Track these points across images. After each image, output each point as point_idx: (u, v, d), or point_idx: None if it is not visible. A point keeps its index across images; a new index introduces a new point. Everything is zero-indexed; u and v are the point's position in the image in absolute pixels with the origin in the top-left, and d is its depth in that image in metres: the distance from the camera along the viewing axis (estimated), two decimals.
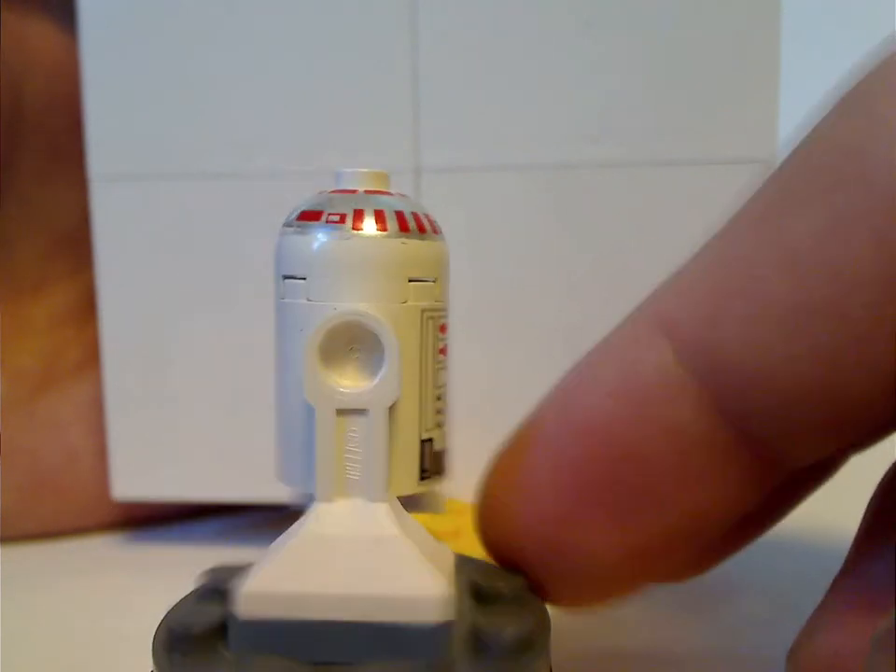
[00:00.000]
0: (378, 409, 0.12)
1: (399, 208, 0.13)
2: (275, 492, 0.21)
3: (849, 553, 0.14)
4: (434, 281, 0.13)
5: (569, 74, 0.20)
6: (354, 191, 0.13)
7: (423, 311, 0.13)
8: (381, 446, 0.12)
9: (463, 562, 0.14)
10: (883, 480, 0.15)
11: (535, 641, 0.12)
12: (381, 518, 0.12)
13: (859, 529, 0.14)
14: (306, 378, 0.12)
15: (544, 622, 0.13)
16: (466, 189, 0.21)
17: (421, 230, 0.13)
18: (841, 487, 0.15)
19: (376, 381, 0.12)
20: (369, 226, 0.13)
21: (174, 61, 0.21)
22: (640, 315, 0.13)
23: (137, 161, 0.21)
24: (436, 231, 0.13)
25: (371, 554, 0.12)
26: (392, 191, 0.13)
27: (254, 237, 0.21)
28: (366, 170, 0.13)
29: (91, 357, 0.24)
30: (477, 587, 0.13)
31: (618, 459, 0.13)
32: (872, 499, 0.14)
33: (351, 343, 0.12)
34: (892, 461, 0.15)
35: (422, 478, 0.13)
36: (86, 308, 0.24)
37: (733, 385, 0.12)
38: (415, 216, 0.13)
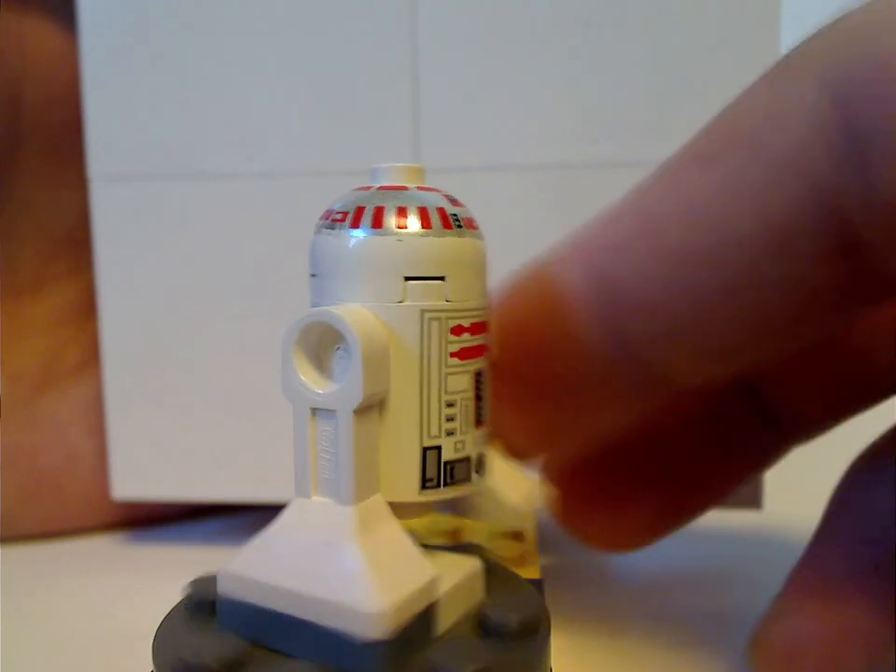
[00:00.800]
0: (342, 411, 0.12)
1: (411, 203, 0.13)
2: (275, 492, 0.21)
3: (808, 545, 0.14)
4: (442, 279, 0.13)
5: (569, 74, 0.20)
6: (368, 188, 0.13)
7: (423, 311, 0.13)
8: (346, 449, 0.12)
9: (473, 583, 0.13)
10: (842, 478, 0.15)
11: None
12: (341, 523, 0.12)
13: (819, 523, 0.15)
14: (283, 375, 0.12)
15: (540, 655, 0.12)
16: (466, 189, 0.21)
17: (426, 225, 0.13)
18: (822, 493, 0.15)
19: (342, 383, 0.12)
20: (365, 224, 0.13)
21: (174, 61, 0.21)
22: (565, 246, 0.15)
23: (137, 161, 0.21)
24: (449, 226, 0.13)
25: (322, 557, 0.12)
26: (424, 186, 0.13)
27: (253, 237, 0.21)
28: (389, 165, 0.13)
29: (90, 357, 0.24)
30: (483, 617, 0.12)
31: (531, 355, 0.15)
32: (832, 495, 0.15)
33: (336, 342, 0.12)
34: (850, 462, 0.15)
35: (425, 486, 0.13)
36: (86, 308, 0.24)
37: (628, 312, 0.14)
38: (423, 211, 0.13)
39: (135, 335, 0.22)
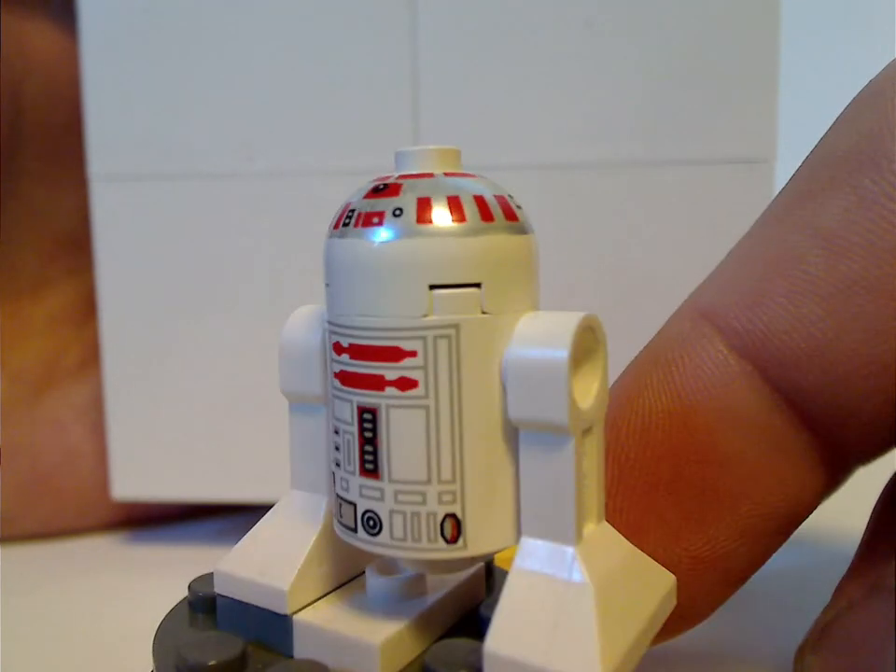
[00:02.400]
0: None
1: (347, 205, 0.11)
2: (275, 492, 0.21)
3: (855, 556, 0.14)
4: (328, 286, 0.11)
5: (569, 74, 0.20)
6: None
7: (325, 321, 0.12)
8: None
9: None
10: (886, 487, 0.15)
11: None
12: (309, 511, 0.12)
13: (864, 534, 0.14)
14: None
15: None
16: None
17: (335, 225, 0.11)
18: (846, 493, 0.15)
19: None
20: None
21: (174, 61, 0.21)
22: (684, 314, 0.13)
23: (137, 161, 0.21)
24: (332, 226, 0.11)
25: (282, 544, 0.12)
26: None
27: (253, 237, 0.21)
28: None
29: (91, 357, 0.24)
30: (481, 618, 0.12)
31: (682, 454, 0.13)
32: (876, 506, 0.15)
33: None
34: (895, 469, 0.15)
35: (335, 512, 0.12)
36: (86, 308, 0.24)
37: (784, 363, 0.12)
38: (348, 213, 0.11)
39: (135, 335, 0.22)
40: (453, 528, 0.11)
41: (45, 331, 0.25)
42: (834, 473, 0.13)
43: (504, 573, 0.14)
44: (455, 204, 0.11)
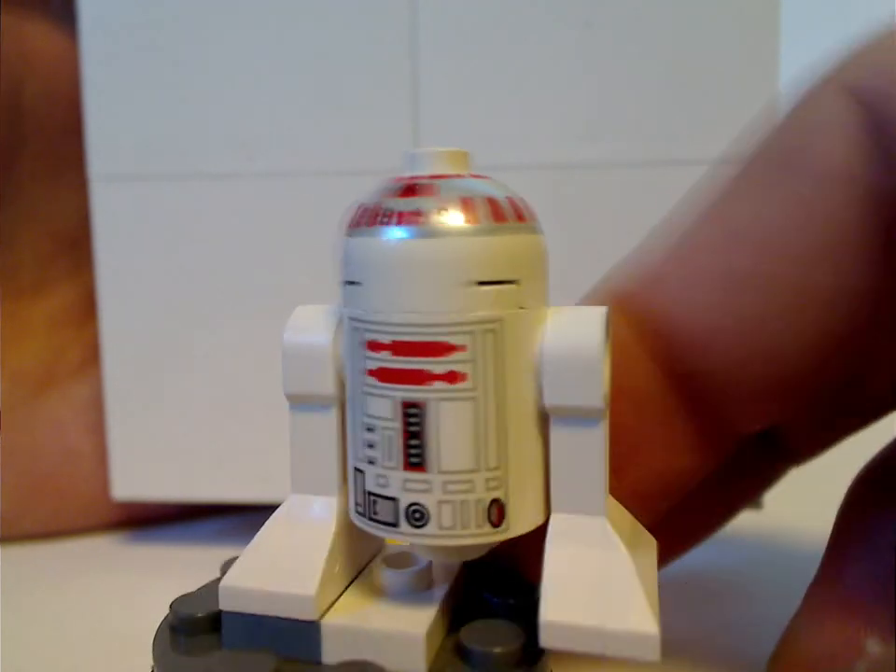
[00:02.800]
0: None
1: (362, 202, 0.12)
2: (275, 492, 0.21)
3: (822, 561, 0.14)
4: (359, 284, 0.11)
5: (569, 74, 0.20)
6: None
7: (349, 319, 0.12)
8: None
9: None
10: (849, 492, 0.15)
11: None
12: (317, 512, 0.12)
13: (830, 538, 0.15)
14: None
15: None
16: None
17: (352, 224, 0.11)
18: (838, 493, 0.15)
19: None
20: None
21: (173, 61, 0.21)
22: (598, 294, 0.14)
23: (137, 161, 0.21)
24: (356, 223, 0.11)
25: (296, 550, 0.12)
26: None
27: (253, 237, 0.21)
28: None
29: (91, 357, 0.24)
30: (463, 647, 0.12)
31: None
32: (840, 510, 0.15)
33: None
34: (856, 475, 0.15)
35: (356, 510, 0.12)
36: (86, 308, 0.24)
37: (678, 348, 0.13)
38: (363, 209, 0.11)
39: (135, 335, 0.22)
40: (498, 512, 0.11)
41: (45, 331, 0.25)
42: (720, 453, 0.14)
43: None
44: (494, 205, 0.11)
